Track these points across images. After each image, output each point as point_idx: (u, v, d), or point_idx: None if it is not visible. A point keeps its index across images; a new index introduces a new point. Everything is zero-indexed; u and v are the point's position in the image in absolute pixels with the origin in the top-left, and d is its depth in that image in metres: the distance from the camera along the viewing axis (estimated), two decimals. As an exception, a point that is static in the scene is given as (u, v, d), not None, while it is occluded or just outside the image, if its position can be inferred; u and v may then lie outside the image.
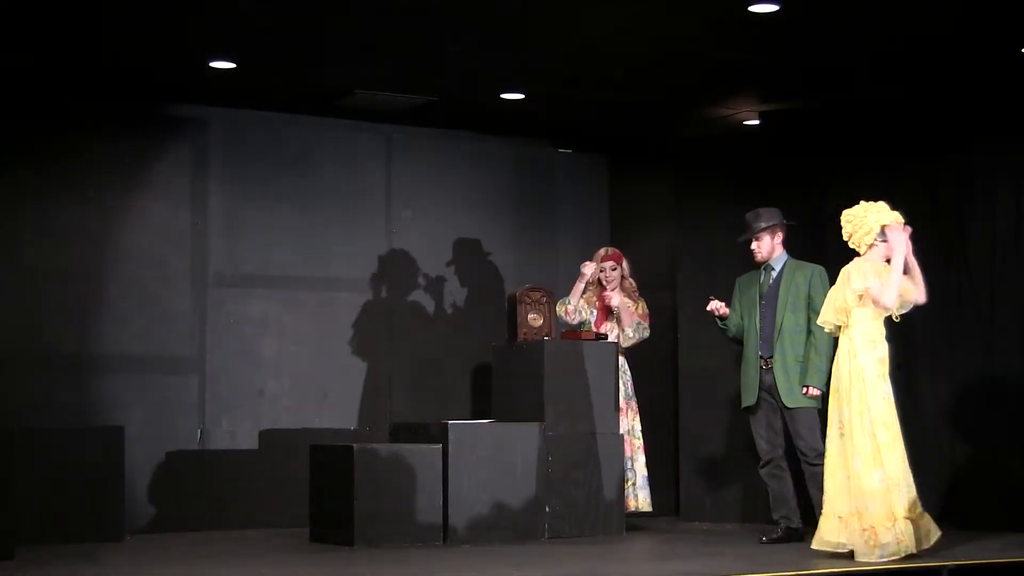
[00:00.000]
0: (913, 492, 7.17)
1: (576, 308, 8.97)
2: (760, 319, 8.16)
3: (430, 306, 10.12)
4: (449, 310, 10.19)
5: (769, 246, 8.21)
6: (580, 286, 9.00)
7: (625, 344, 9.03)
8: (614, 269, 9.06)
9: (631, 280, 9.13)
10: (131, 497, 8.70)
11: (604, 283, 9.07)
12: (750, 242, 8.23)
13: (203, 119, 9.53)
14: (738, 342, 8.34)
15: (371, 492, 7.96)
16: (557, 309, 9.00)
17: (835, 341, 7.72)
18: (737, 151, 9.82)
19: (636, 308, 9.06)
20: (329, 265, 9.85)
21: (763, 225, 8.19)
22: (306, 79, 9.03)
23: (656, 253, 10.26)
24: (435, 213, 10.21)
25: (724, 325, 8.30)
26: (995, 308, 8.66)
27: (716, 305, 8.23)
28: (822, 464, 7.92)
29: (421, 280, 10.10)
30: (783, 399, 8.06)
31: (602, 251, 9.19)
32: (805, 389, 8.00)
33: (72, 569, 7.12)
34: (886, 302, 7.26)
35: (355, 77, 8.98)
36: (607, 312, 9.03)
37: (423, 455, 8.13)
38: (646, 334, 9.08)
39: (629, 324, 8.97)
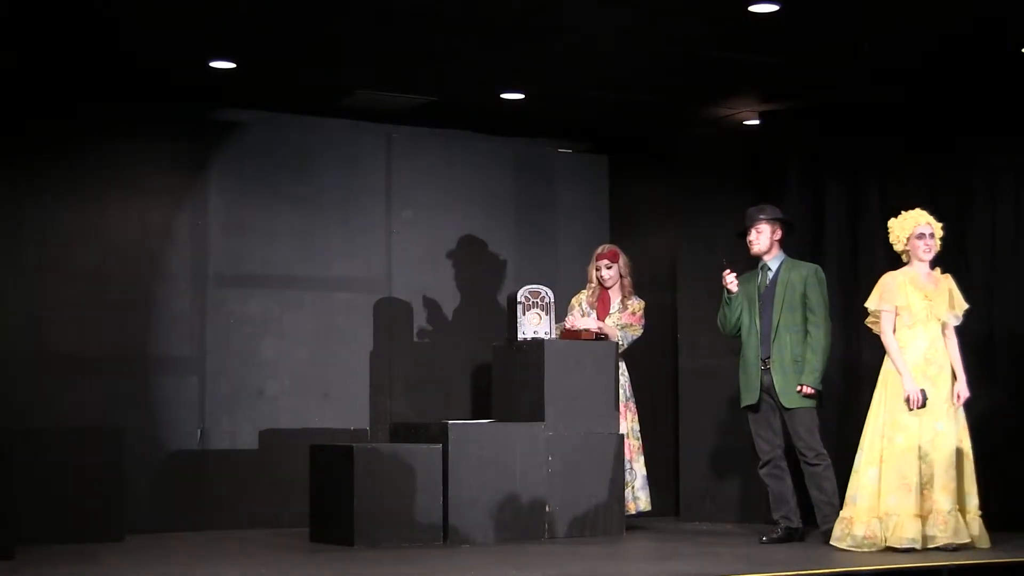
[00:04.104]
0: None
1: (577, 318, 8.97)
2: (759, 319, 8.16)
3: (430, 306, 10.12)
4: (449, 310, 10.19)
5: (767, 239, 8.20)
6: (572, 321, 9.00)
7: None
8: (609, 268, 9.04)
9: (629, 279, 9.10)
10: (131, 497, 8.68)
11: (601, 282, 9.06)
12: (747, 233, 8.21)
13: (203, 119, 9.53)
14: (734, 337, 8.35)
15: (371, 492, 7.96)
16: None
17: (831, 341, 8.02)
18: (737, 151, 9.82)
19: (628, 308, 9.00)
20: (329, 265, 9.85)
21: (764, 216, 8.19)
22: (306, 79, 9.03)
23: (656, 253, 10.26)
24: (435, 213, 10.21)
25: (728, 299, 8.24)
26: (995, 308, 8.66)
27: (731, 279, 8.18)
28: (821, 464, 8.00)
29: (421, 280, 10.10)
30: (781, 399, 8.06)
31: (599, 249, 9.17)
32: (800, 388, 8.01)
33: (72, 569, 7.12)
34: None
35: (355, 77, 8.98)
36: (606, 310, 9.02)
37: (423, 455, 8.13)
38: (635, 336, 9.03)
39: (614, 336, 8.92)
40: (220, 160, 9.57)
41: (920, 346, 7.57)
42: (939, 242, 7.77)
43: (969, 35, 7.96)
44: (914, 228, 7.69)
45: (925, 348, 7.56)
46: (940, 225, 7.79)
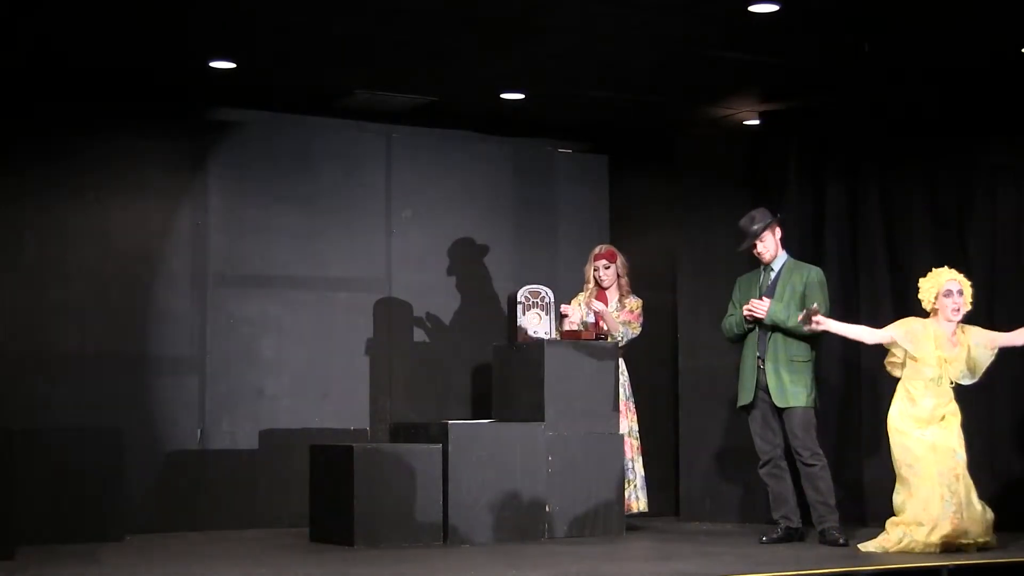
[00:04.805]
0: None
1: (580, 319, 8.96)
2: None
3: (430, 306, 10.12)
4: (449, 310, 10.19)
5: (773, 244, 8.20)
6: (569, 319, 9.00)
7: None
8: (607, 268, 9.04)
9: (626, 278, 9.09)
10: (131, 497, 8.69)
11: (599, 282, 9.07)
12: (753, 248, 8.20)
13: (203, 119, 9.53)
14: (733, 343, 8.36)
15: (371, 492, 7.96)
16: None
17: (814, 336, 8.03)
18: (737, 151, 9.81)
19: (626, 307, 9.01)
20: (329, 265, 9.85)
21: (760, 226, 8.18)
22: (306, 79, 9.03)
23: (656, 253, 10.25)
24: (435, 213, 10.20)
25: (747, 328, 8.23)
26: (995, 308, 8.65)
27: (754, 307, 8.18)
28: (817, 464, 8.00)
29: (421, 280, 10.10)
30: (774, 399, 8.06)
31: (596, 249, 9.17)
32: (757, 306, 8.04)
33: (72, 569, 7.11)
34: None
35: (355, 77, 8.98)
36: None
37: (423, 455, 8.13)
38: (635, 333, 9.03)
39: (616, 330, 8.92)
40: (220, 160, 9.57)
41: (927, 405, 7.58)
42: (969, 300, 7.65)
43: (969, 35, 7.96)
44: (942, 285, 7.59)
45: (932, 407, 7.58)
46: (968, 283, 7.69)
